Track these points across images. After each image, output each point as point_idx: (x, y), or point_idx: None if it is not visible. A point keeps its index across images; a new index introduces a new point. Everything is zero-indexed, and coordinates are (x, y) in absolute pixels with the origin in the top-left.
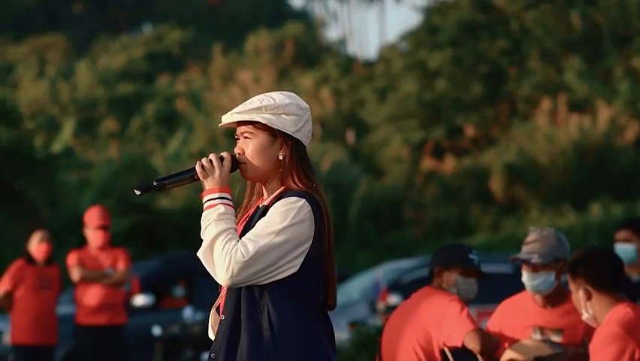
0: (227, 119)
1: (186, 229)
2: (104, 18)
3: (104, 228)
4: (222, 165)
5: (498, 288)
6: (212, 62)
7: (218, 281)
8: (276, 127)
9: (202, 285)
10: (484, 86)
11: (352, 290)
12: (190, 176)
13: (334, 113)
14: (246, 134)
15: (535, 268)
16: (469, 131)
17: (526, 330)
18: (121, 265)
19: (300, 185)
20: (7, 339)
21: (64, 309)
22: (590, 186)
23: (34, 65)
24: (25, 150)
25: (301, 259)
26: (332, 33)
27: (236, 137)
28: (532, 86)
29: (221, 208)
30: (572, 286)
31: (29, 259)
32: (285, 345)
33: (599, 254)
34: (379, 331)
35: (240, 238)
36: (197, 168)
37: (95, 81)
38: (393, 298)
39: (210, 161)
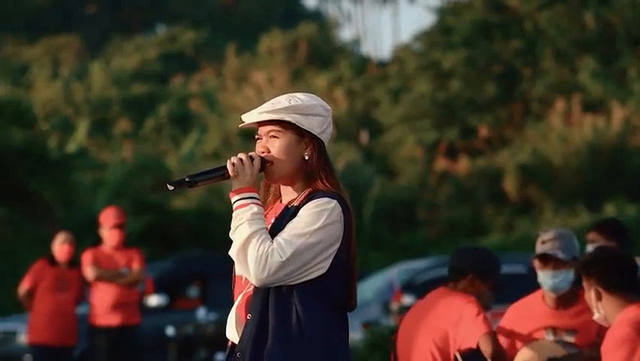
0: (253, 118)
1: (200, 230)
2: (117, 19)
3: (120, 227)
4: (252, 165)
5: (512, 288)
6: (225, 63)
7: (251, 281)
8: (304, 127)
9: (216, 285)
10: (498, 87)
11: (366, 291)
12: (221, 174)
13: (348, 114)
14: (272, 134)
15: (556, 266)
16: (483, 131)
17: (539, 332)
18: (136, 265)
19: (328, 185)
20: (22, 339)
21: (79, 309)
22: (604, 187)
23: (48, 66)
24: (40, 151)
25: (330, 260)
26: (345, 33)
27: (257, 137)
28: (546, 86)
29: (254, 208)
30: (584, 285)
31: (52, 260)
32: (312, 345)
33: (612, 255)
34: (393, 331)
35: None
36: (229, 167)
37: (109, 82)
38: (407, 299)
39: (241, 160)
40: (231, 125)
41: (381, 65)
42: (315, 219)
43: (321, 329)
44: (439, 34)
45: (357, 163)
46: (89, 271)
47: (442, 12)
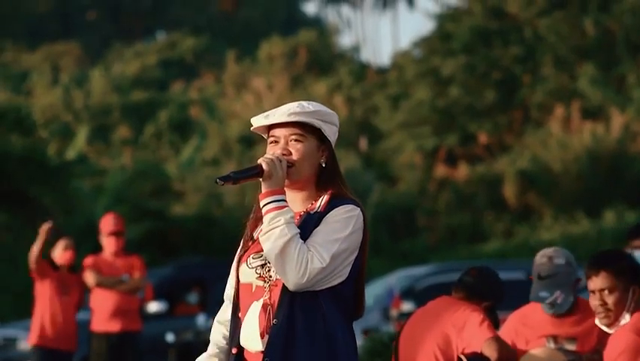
0: (282, 118)
1: (200, 236)
2: (117, 25)
3: (116, 234)
4: (282, 167)
5: (511, 295)
6: (225, 69)
7: (287, 284)
8: (325, 133)
9: (216, 292)
10: (498, 93)
11: (366, 297)
12: (256, 173)
13: (347, 120)
14: (295, 137)
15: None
16: (483, 138)
17: (539, 340)
18: (136, 272)
19: (347, 192)
20: (23, 345)
21: (79, 316)
22: (603, 193)
23: (48, 73)
24: (39, 157)
25: (350, 267)
26: (345, 40)
27: (273, 139)
28: (545, 92)
29: (291, 212)
30: (612, 285)
31: (53, 265)
32: (336, 349)
33: (627, 255)
34: (393, 337)
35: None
36: (265, 167)
37: (109, 88)
38: (406, 305)
39: (272, 160)
40: (231, 131)
41: (381, 71)
42: (345, 225)
43: (343, 333)
44: (439, 41)
45: (357, 169)
46: (89, 277)
47: (441, 18)
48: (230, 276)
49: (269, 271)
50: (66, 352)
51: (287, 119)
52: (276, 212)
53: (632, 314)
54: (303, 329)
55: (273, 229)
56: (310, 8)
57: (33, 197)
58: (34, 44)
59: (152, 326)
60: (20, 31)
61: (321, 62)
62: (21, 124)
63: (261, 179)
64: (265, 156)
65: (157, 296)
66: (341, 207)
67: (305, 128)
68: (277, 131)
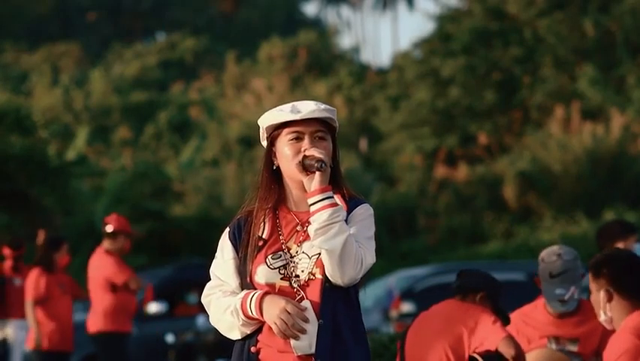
0: (313, 113)
1: (199, 237)
2: (117, 26)
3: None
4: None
5: (511, 296)
6: (225, 70)
7: (341, 278)
8: (336, 134)
9: None
10: (498, 94)
11: (365, 298)
12: (319, 167)
13: (347, 121)
14: (321, 135)
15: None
16: (483, 139)
17: (541, 340)
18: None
19: (352, 192)
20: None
21: (78, 316)
22: (603, 194)
23: (48, 73)
24: (39, 158)
25: None
26: (345, 41)
27: (297, 135)
28: (545, 93)
29: (343, 209)
30: (592, 287)
31: (49, 268)
32: (368, 346)
33: (626, 257)
34: (393, 339)
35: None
36: (327, 160)
37: (109, 89)
38: (406, 306)
39: (327, 156)
40: (231, 132)
41: (381, 72)
42: (372, 224)
43: (364, 328)
44: (439, 42)
45: (357, 170)
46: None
47: (441, 19)
48: (227, 275)
49: (294, 270)
50: (64, 352)
51: (321, 114)
52: (334, 208)
53: (631, 315)
54: (347, 327)
55: (333, 224)
56: (310, 9)
57: (33, 198)
58: (34, 45)
59: (151, 327)
60: (20, 31)
61: (321, 62)
62: (21, 125)
63: (318, 172)
64: (314, 149)
65: (157, 297)
66: (361, 206)
67: (327, 127)
68: (301, 128)
